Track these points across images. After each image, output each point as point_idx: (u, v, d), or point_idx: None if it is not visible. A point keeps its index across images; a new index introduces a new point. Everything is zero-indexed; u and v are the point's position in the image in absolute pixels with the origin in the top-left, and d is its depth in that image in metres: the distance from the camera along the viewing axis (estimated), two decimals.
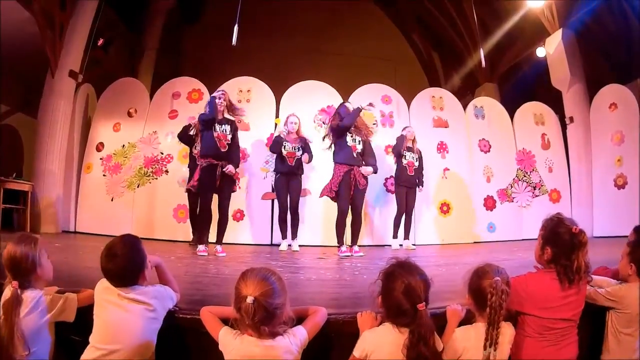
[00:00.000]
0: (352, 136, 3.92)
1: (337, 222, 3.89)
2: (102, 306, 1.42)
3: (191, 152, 4.52)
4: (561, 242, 1.51)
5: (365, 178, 3.92)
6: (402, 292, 1.27)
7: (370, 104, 4.03)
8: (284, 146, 4.26)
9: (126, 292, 1.41)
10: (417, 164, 4.64)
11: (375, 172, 4.01)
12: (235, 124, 3.83)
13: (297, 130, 4.41)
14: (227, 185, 3.72)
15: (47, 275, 1.55)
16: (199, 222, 3.88)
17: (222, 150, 3.66)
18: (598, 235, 5.64)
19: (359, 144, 3.95)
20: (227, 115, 3.78)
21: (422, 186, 4.71)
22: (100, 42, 6.20)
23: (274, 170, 4.54)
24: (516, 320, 1.50)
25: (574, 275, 1.48)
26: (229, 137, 3.71)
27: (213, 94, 3.81)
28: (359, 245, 3.99)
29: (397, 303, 1.27)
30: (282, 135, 4.37)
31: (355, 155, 3.89)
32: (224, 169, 3.63)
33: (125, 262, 1.42)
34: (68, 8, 5.48)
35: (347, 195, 3.84)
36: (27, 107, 6.41)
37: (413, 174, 4.61)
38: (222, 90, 3.87)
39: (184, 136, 4.48)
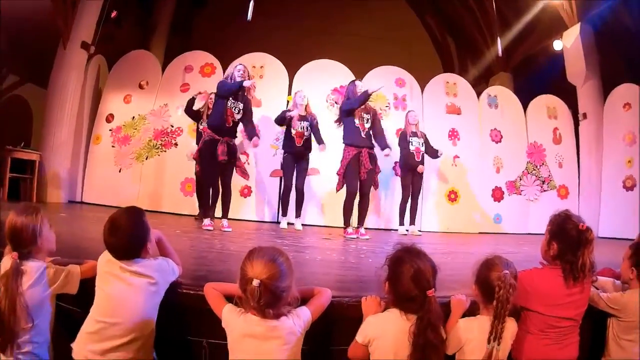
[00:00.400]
0: (361, 114, 3.88)
1: (344, 203, 3.87)
2: (104, 279, 1.41)
3: (198, 127, 4.52)
4: (568, 238, 1.50)
5: (374, 161, 3.86)
6: (411, 277, 1.25)
7: (379, 88, 3.96)
8: (293, 126, 4.23)
9: (129, 264, 1.39)
10: (423, 148, 4.61)
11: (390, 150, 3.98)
12: (248, 101, 3.79)
13: (306, 106, 4.37)
14: (230, 160, 3.67)
15: (49, 246, 1.52)
16: (203, 196, 3.84)
17: (227, 125, 3.63)
18: (603, 236, 5.60)
19: (367, 122, 3.90)
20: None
21: (440, 153, 4.65)
22: (114, 14, 6.17)
23: (282, 148, 4.51)
24: (519, 315, 1.49)
25: (578, 272, 1.46)
26: (237, 115, 3.68)
27: (235, 67, 3.76)
28: (365, 228, 3.97)
29: (406, 289, 1.26)
30: (290, 112, 4.32)
31: (363, 136, 3.85)
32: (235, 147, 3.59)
33: (128, 235, 1.40)
34: None
35: (355, 177, 3.81)
36: (37, 78, 6.39)
37: (420, 159, 4.59)
38: (243, 65, 3.82)
39: (190, 110, 4.50)
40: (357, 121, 3.84)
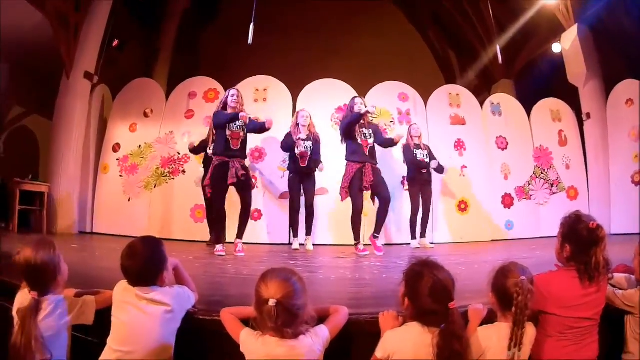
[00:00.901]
0: (361, 130, 3.89)
1: (352, 219, 3.86)
2: (120, 307, 1.42)
3: (206, 152, 4.57)
4: (579, 239, 1.51)
5: (377, 175, 3.84)
6: (432, 291, 1.26)
7: (369, 110, 3.92)
8: (297, 146, 4.25)
9: (144, 292, 1.41)
10: (427, 160, 4.62)
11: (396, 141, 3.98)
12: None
13: (309, 125, 4.39)
14: (245, 180, 3.69)
15: (65, 279, 1.54)
16: (215, 221, 3.85)
17: (234, 148, 3.66)
18: (616, 233, 5.58)
19: (370, 137, 3.91)
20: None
21: (444, 169, 4.70)
22: (115, 43, 6.23)
23: (288, 170, 4.53)
24: (536, 319, 1.49)
25: (593, 272, 1.48)
26: (242, 134, 3.71)
27: (229, 93, 3.81)
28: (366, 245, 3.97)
29: (427, 302, 1.26)
30: (292, 134, 4.32)
31: (366, 153, 3.85)
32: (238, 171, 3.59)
33: (145, 260, 1.43)
34: (82, 9, 5.51)
35: (360, 192, 3.81)
36: (42, 109, 6.45)
37: (426, 171, 4.61)
38: (237, 90, 3.86)
39: (195, 151, 4.76)
40: (358, 139, 3.86)
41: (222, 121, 3.65)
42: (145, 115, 5.67)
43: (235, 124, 3.67)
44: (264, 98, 5.38)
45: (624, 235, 5.27)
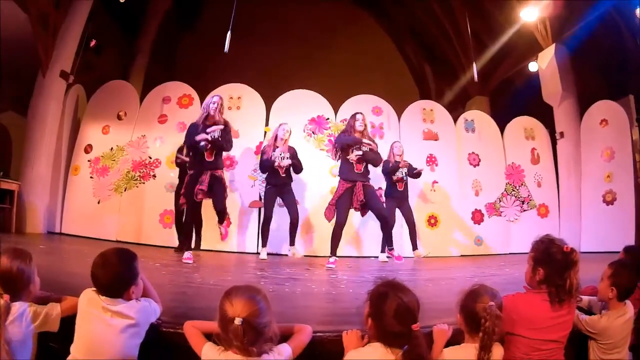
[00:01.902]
0: (354, 151, 3.88)
1: (333, 232, 3.87)
2: (84, 318, 1.42)
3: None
4: (554, 262, 1.52)
5: (367, 192, 3.85)
6: (395, 312, 1.25)
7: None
8: (274, 158, 4.24)
9: (110, 304, 1.41)
10: (406, 178, 4.67)
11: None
12: (227, 127, 3.77)
13: (286, 140, 4.39)
14: (218, 189, 3.70)
15: (36, 291, 1.56)
16: (184, 228, 3.84)
17: (208, 160, 3.66)
18: (585, 251, 5.67)
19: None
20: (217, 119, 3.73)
21: (421, 169, 4.74)
22: (93, 43, 6.17)
23: (265, 182, 4.52)
24: (504, 340, 1.50)
25: (565, 294, 1.49)
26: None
27: (211, 99, 3.77)
28: (341, 257, 4.02)
29: (390, 324, 1.25)
30: (271, 153, 4.30)
31: (358, 171, 3.87)
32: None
33: (116, 273, 1.43)
34: (62, 7, 5.44)
35: (346, 209, 3.85)
36: (18, 106, 6.36)
37: (403, 189, 4.65)
38: (219, 97, 3.83)
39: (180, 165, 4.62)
40: (354, 158, 3.86)
41: (192, 142, 3.66)
42: (119, 117, 5.62)
43: (210, 137, 3.64)
44: (237, 106, 5.35)
45: (594, 254, 5.36)
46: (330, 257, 3.84)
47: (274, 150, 4.28)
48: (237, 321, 1.18)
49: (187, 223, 3.87)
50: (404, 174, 4.64)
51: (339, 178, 3.97)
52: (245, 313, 1.19)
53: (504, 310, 1.40)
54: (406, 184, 4.69)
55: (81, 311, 1.43)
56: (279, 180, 4.29)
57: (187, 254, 3.60)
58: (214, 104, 3.71)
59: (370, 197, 3.84)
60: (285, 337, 1.39)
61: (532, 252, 1.60)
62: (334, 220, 3.88)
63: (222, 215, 3.81)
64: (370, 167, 4.02)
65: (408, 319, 1.25)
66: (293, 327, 1.48)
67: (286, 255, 4.66)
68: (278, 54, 7.27)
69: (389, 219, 3.98)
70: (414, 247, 4.73)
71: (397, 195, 4.65)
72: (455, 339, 1.49)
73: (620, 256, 2.27)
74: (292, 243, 4.45)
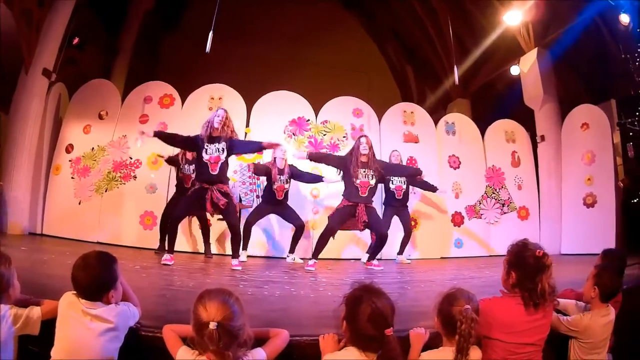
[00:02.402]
0: (364, 171, 3.85)
1: (321, 236, 3.85)
2: (64, 321, 1.43)
3: (177, 174, 4.60)
4: (526, 266, 1.55)
5: (369, 214, 3.84)
6: (369, 317, 1.27)
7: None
8: (274, 180, 4.26)
9: (90, 307, 1.42)
10: (404, 186, 4.74)
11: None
12: (233, 140, 3.67)
13: (286, 160, 4.41)
14: (226, 208, 3.61)
15: (16, 295, 1.56)
16: (169, 230, 3.74)
17: (213, 173, 3.52)
18: (566, 253, 5.74)
19: (372, 178, 3.85)
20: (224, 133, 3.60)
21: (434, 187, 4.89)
22: (76, 40, 6.13)
23: (262, 198, 4.58)
24: (482, 343, 1.53)
25: (538, 298, 1.51)
26: (223, 156, 3.55)
27: (216, 113, 3.69)
28: (322, 259, 4.03)
29: (365, 328, 1.27)
30: (277, 177, 4.30)
31: (364, 194, 3.80)
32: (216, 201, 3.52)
33: (96, 276, 1.45)
34: (46, 4, 5.40)
35: (341, 221, 3.85)
36: (1, 103, 6.31)
37: (401, 197, 4.73)
38: (224, 110, 3.72)
39: (168, 161, 4.69)
40: (357, 181, 3.82)
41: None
42: (100, 117, 5.58)
43: (213, 147, 3.55)
44: (218, 107, 5.33)
45: (574, 256, 5.43)
46: (310, 259, 3.86)
47: (278, 174, 4.30)
48: (212, 325, 1.18)
49: (171, 225, 3.72)
50: (403, 183, 4.70)
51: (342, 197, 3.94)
52: (219, 317, 1.20)
53: (480, 314, 1.43)
54: (405, 192, 4.74)
55: (61, 314, 1.45)
56: (275, 200, 4.31)
57: (167, 256, 3.59)
58: (218, 116, 3.60)
59: (373, 219, 3.86)
60: (261, 341, 1.41)
61: (507, 256, 1.64)
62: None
63: (235, 231, 3.69)
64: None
65: (381, 323, 1.27)
66: (269, 331, 1.49)
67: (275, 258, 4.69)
68: (260, 55, 7.26)
69: (387, 238, 3.99)
70: (401, 252, 4.80)
71: (396, 204, 4.72)
72: (433, 343, 1.52)
73: (598, 260, 2.31)
74: (292, 250, 4.50)
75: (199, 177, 3.67)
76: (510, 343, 1.49)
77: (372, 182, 3.84)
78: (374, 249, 4.11)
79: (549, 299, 1.54)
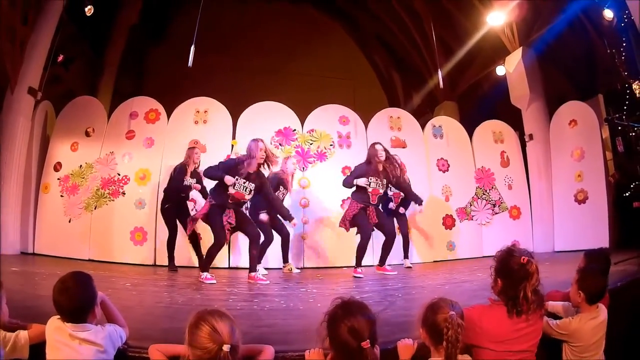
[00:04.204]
0: (376, 180, 3.95)
1: (360, 246, 3.97)
2: (53, 346, 1.44)
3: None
4: (510, 273, 1.54)
5: (379, 216, 4.01)
6: (346, 333, 1.28)
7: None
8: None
9: (77, 331, 1.43)
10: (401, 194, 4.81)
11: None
12: (262, 178, 3.71)
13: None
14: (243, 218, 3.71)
15: (2, 319, 1.57)
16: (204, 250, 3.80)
17: (231, 202, 3.60)
18: (559, 250, 5.74)
19: (382, 187, 3.99)
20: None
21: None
22: (60, 58, 6.12)
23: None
24: (471, 352, 1.53)
25: (521, 306, 1.50)
26: (248, 196, 3.64)
27: (258, 144, 3.64)
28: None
29: (343, 344, 1.29)
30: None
31: (373, 201, 3.97)
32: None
33: (77, 297, 1.46)
34: (30, 22, 5.39)
35: (369, 223, 3.97)
36: None
37: (399, 203, 4.84)
38: (262, 142, 3.67)
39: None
40: (370, 189, 3.94)
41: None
42: (87, 134, 5.58)
43: (242, 184, 3.58)
44: (204, 120, 5.35)
45: (568, 253, 5.43)
46: (357, 267, 3.97)
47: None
48: (226, 348, 1.19)
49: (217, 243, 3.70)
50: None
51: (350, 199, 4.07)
52: (229, 339, 1.21)
53: (468, 322, 1.42)
54: (403, 199, 4.80)
55: (49, 340, 1.46)
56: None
57: (208, 275, 3.61)
58: (260, 150, 3.60)
59: (382, 220, 4.06)
60: (246, 358, 1.41)
61: (494, 263, 1.63)
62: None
63: (255, 239, 3.71)
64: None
65: (358, 338, 1.28)
66: (255, 347, 1.50)
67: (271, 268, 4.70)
68: (244, 67, 7.27)
69: (395, 238, 4.17)
70: (406, 256, 4.93)
71: (393, 213, 4.82)
72: (421, 354, 1.51)
73: (580, 262, 2.31)
74: (286, 260, 4.54)
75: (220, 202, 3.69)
76: (500, 352, 1.49)
77: (382, 191, 4.03)
78: (384, 252, 4.16)
79: (533, 306, 1.52)
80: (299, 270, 4.50)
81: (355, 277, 3.88)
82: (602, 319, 1.81)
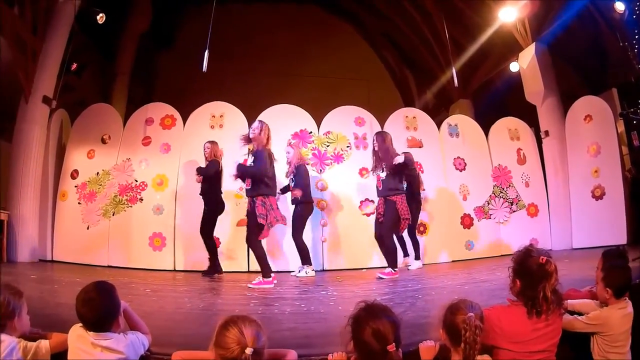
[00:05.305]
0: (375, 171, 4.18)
1: (393, 245, 4.11)
2: (75, 354, 1.44)
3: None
4: (529, 274, 1.54)
5: (390, 207, 4.01)
6: (371, 336, 1.28)
7: None
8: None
9: (99, 339, 1.44)
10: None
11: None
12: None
13: None
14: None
15: (23, 329, 1.57)
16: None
17: (247, 187, 3.82)
18: (577, 247, 5.68)
19: (382, 171, 4.10)
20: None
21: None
22: (74, 67, 6.15)
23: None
24: (491, 352, 1.51)
25: (541, 306, 1.49)
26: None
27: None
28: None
29: (368, 347, 1.29)
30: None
31: (379, 188, 4.12)
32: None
33: (101, 308, 1.47)
34: (40, 33, 5.44)
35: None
36: (3, 134, 6.34)
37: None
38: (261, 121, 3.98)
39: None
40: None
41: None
42: (103, 141, 5.61)
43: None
44: (220, 124, 5.35)
45: (586, 249, 5.37)
46: (391, 268, 3.99)
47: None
48: (248, 351, 1.21)
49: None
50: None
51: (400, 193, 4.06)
52: (252, 343, 1.23)
53: (487, 323, 1.42)
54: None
55: (71, 348, 1.46)
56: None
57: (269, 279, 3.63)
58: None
59: (385, 215, 4.08)
60: None
61: (512, 263, 1.62)
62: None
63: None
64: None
65: (383, 341, 1.28)
66: (278, 352, 1.51)
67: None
68: (258, 70, 7.27)
69: (381, 240, 4.15)
70: (417, 257, 4.85)
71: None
72: (443, 356, 1.51)
73: (599, 263, 2.30)
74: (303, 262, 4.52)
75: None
76: (519, 352, 1.48)
77: (383, 175, 4.07)
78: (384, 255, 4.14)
79: (552, 306, 1.52)
80: (314, 273, 4.44)
81: (384, 278, 3.90)
82: (629, 311, 1.82)
